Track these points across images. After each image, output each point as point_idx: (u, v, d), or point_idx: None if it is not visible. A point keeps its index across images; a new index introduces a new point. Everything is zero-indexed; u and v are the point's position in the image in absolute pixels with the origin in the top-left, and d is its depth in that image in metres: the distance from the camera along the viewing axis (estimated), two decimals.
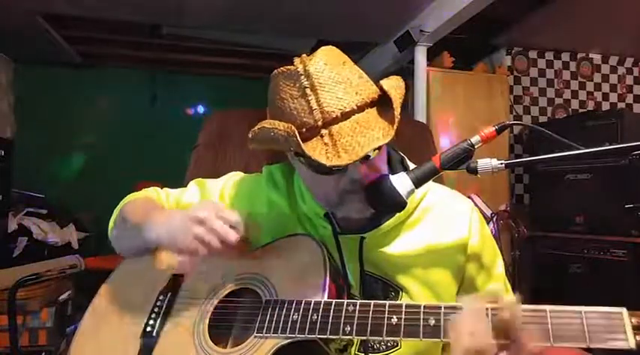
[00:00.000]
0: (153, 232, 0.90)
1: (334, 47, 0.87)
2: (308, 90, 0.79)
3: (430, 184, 0.95)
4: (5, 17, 3.24)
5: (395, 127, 0.78)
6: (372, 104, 0.83)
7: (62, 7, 3.13)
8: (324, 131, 0.78)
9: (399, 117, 0.79)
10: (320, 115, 0.78)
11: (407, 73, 3.50)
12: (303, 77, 0.79)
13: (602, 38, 3.89)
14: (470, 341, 0.65)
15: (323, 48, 0.85)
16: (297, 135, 0.75)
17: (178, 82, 4.66)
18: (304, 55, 0.83)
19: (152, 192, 1.09)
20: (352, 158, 0.75)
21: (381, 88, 0.84)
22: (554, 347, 0.65)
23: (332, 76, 0.80)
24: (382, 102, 0.84)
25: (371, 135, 0.77)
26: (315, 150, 0.76)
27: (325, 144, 0.77)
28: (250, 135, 0.85)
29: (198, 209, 0.85)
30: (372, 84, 0.85)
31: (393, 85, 0.83)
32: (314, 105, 0.78)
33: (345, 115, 0.79)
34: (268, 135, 0.80)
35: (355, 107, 0.79)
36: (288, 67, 0.82)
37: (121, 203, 1.07)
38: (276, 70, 0.84)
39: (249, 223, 0.88)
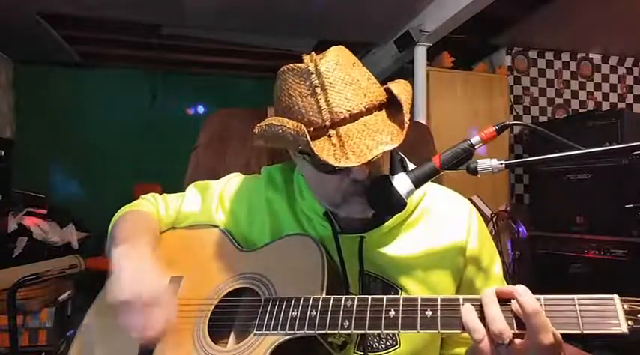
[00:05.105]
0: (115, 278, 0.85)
1: (344, 47, 0.86)
2: (318, 90, 0.78)
3: (429, 185, 0.95)
4: (5, 17, 3.24)
5: (404, 132, 0.77)
6: (380, 107, 0.82)
7: (62, 7, 3.13)
8: (332, 131, 0.77)
9: (408, 122, 0.78)
10: (328, 115, 0.77)
11: (407, 73, 3.51)
12: (313, 76, 0.79)
13: (602, 38, 3.90)
14: (488, 326, 0.66)
15: (334, 47, 0.84)
16: (307, 134, 0.74)
17: (178, 82, 4.66)
18: (313, 54, 0.82)
19: (149, 204, 1.07)
20: (361, 160, 0.74)
21: (390, 92, 0.83)
22: None
23: (342, 77, 0.79)
24: (390, 106, 0.83)
25: (380, 138, 0.76)
26: (323, 150, 0.76)
27: (333, 144, 0.76)
28: (256, 132, 0.83)
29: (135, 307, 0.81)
30: (379, 86, 0.85)
31: (402, 89, 0.83)
32: (323, 104, 0.78)
33: (354, 117, 0.78)
34: (276, 133, 0.79)
35: (364, 109, 0.79)
36: (298, 64, 0.81)
37: (116, 216, 1.05)
38: (285, 67, 0.83)
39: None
